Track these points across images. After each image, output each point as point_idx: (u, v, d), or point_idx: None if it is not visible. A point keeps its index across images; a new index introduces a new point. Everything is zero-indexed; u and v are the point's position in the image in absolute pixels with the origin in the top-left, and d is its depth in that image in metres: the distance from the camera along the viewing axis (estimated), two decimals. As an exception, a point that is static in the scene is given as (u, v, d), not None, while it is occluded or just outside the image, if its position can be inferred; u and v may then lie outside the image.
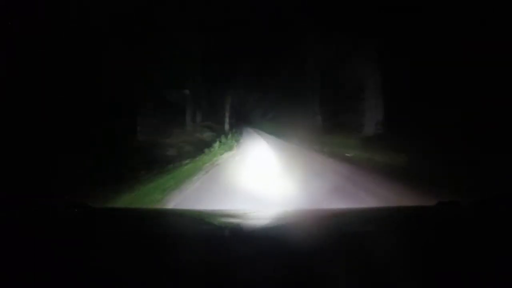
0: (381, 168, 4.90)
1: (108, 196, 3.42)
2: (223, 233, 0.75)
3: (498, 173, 3.06)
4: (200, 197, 3.62)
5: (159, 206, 3.23)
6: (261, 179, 4.20)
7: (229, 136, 10.55)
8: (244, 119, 18.06)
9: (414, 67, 5.78)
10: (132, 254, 0.56)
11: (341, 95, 8.93)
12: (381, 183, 3.98)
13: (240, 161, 6.50)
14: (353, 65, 8.01)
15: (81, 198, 0.92)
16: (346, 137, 7.77)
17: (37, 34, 4.22)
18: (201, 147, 7.56)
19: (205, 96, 11.26)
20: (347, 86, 8.57)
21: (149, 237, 0.67)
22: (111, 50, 5.45)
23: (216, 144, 8.25)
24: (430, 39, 5.31)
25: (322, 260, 0.52)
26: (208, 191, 3.87)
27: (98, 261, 0.52)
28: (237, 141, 10.67)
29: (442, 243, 0.61)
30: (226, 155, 7.39)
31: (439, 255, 0.54)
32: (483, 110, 4.39)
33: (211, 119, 11.59)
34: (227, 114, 13.61)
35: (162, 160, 5.72)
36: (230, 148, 8.53)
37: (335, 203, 3.07)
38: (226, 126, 13.15)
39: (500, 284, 0.45)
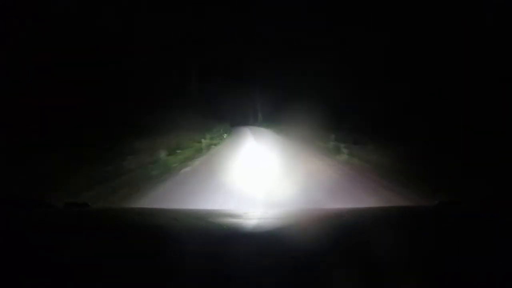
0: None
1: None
2: (223, 233, 0.74)
3: None
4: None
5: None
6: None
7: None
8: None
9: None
10: (131, 254, 0.56)
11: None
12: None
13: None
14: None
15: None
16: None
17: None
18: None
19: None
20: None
21: (149, 237, 0.67)
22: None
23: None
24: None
25: (322, 260, 0.52)
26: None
27: (98, 261, 0.52)
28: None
29: (442, 243, 0.61)
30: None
31: (439, 255, 0.53)
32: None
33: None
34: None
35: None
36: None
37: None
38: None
39: (500, 284, 0.45)
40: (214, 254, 0.55)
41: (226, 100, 19.21)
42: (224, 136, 12.19)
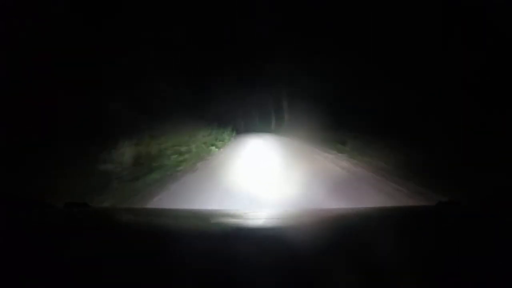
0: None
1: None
2: (223, 233, 0.74)
3: None
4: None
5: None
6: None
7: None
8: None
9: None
10: (131, 254, 0.56)
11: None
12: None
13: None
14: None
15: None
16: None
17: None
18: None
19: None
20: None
21: (149, 237, 0.67)
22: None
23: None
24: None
25: (322, 260, 0.52)
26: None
27: (98, 261, 0.52)
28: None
29: (442, 243, 0.61)
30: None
31: (439, 255, 0.53)
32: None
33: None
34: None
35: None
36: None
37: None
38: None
39: (500, 284, 0.44)
40: (214, 254, 0.55)
41: (234, 101, 18.50)
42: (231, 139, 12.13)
